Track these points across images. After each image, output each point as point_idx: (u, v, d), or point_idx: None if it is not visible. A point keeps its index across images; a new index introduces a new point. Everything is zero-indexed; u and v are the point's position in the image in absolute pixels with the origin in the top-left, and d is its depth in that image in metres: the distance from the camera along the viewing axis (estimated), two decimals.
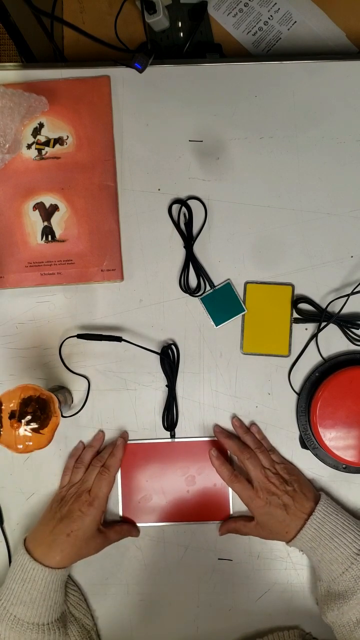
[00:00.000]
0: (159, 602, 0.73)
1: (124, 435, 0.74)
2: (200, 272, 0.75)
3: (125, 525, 0.72)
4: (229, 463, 0.72)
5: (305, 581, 0.73)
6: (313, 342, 0.74)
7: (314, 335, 0.74)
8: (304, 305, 0.75)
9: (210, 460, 0.73)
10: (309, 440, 0.72)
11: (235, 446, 0.71)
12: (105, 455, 0.72)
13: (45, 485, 0.74)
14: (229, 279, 0.75)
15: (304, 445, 0.73)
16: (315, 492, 0.70)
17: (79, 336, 0.73)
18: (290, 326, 0.75)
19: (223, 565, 0.74)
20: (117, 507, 0.74)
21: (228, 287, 0.75)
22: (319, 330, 0.73)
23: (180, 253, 0.76)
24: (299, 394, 0.74)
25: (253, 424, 0.74)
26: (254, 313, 0.75)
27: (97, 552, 0.69)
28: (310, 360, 0.74)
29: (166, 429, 0.74)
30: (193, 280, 0.76)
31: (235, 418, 0.74)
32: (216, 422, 0.74)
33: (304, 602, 0.73)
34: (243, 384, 0.75)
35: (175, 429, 0.74)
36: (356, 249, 0.75)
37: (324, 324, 0.73)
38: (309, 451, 0.73)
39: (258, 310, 0.75)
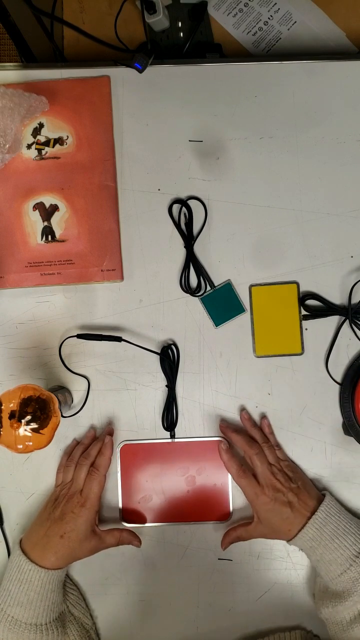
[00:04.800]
0: (159, 602, 0.73)
1: (109, 431, 0.74)
2: (201, 272, 0.75)
3: (125, 533, 0.71)
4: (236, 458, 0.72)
5: (305, 581, 0.73)
6: (345, 329, 0.74)
7: (341, 325, 0.74)
8: (311, 302, 0.75)
9: (219, 453, 0.72)
10: (353, 427, 0.72)
11: (244, 441, 0.70)
12: (92, 452, 0.71)
13: (44, 486, 0.74)
14: (229, 279, 0.75)
15: (347, 432, 0.73)
16: (318, 492, 0.71)
17: (79, 336, 0.73)
18: (300, 324, 0.75)
19: (223, 565, 0.73)
20: (117, 507, 0.74)
21: (228, 287, 0.75)
22: (344, 322, 0.74)
23: (180, 253, 0.76)
24: (341, 383, 0.74)
25: (264, 417, 0.74)
26: (262, 315, 0.75)
27: (92, 554, 0.68)
28: (319, 354, 0.74)
29: (166, 429, 0.74)
30: (193, 280, 0.76)
31: (244, 411, 0.74)
32: (216, 422, 0.74)
33: (304, 601, 0.73)
34: (243, 384, 0.75)
35: (175, 429, 0.74)
36: (356, 249, 0.75)
37: (341, 317, 0.74)
38: (350, 438, 0.73)
39: (266, 312, 0.75)
